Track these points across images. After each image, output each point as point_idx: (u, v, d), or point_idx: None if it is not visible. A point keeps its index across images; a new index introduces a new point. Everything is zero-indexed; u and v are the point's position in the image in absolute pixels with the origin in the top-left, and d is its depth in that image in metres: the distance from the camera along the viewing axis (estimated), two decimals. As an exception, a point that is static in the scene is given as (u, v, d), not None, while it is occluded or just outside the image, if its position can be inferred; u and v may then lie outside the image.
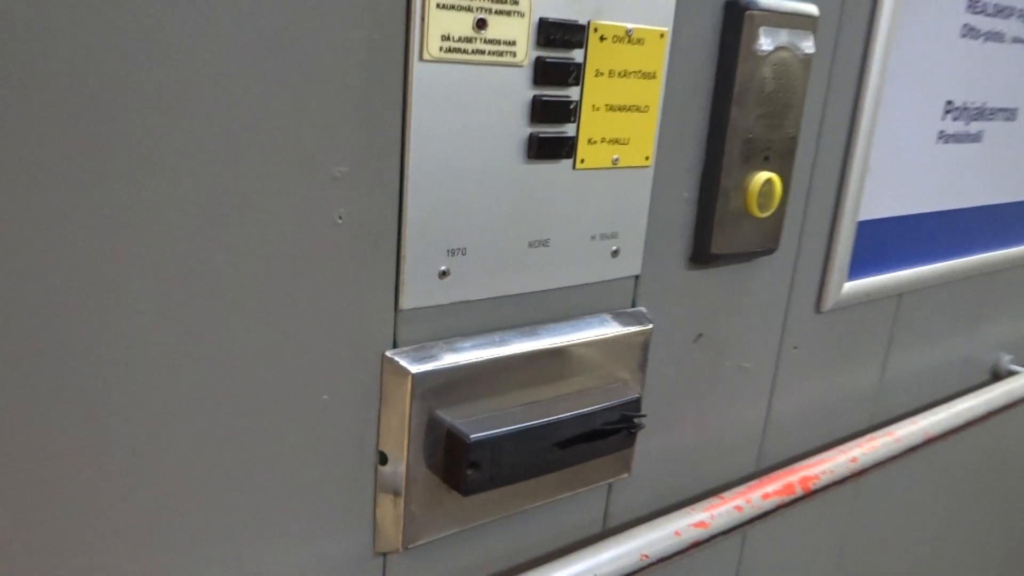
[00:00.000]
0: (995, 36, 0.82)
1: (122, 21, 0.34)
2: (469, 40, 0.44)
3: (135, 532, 0.40)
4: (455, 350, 0.49)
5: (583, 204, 0.53)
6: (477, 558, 0.55)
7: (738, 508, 0.63)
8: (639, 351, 0.58)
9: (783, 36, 0.59)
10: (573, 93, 0.50)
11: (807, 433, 0.79)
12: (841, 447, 0.73)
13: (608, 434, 0.54)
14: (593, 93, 0.51)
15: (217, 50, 0.37)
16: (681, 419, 0.66)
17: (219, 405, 0.41)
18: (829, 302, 0.74)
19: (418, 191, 0.45)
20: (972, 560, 1.21)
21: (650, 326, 0.58)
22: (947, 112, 0.81)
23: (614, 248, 0.56)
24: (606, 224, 0.55)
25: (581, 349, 0.54)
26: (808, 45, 0.61)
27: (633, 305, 0.59)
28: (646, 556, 0.56)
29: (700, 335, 0.64)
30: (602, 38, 0.50)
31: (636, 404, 0.55)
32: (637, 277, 0.58)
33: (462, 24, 0.44)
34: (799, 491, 0.67)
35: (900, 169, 0.78)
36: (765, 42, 0.57)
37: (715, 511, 0.61)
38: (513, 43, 0.46)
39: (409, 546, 0.49)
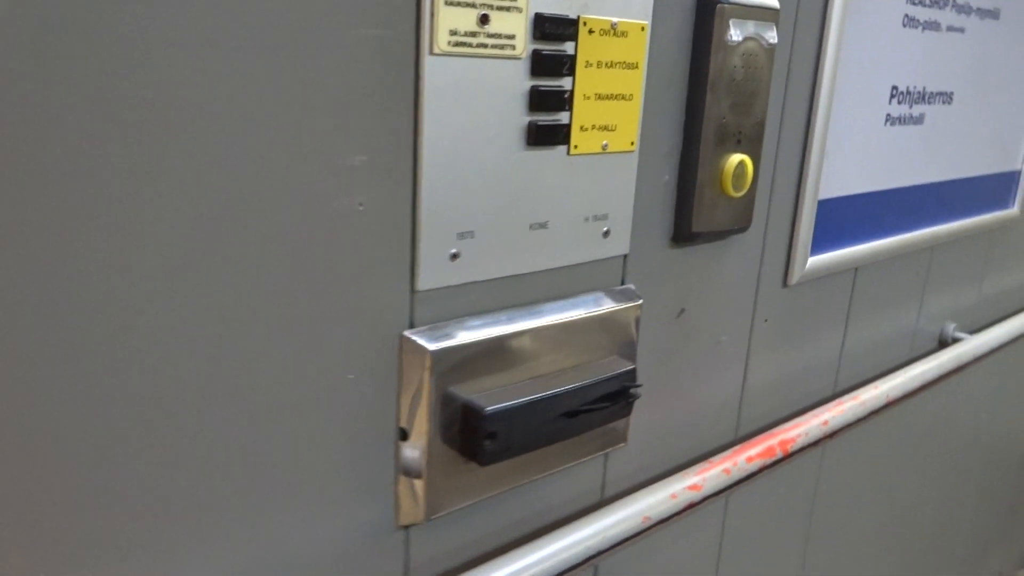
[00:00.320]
0: (932, 25, 0.88)
1: (158, 26, 0.36)
2: (474, 34, 0.47)
3: (182, 500, 0.42)
4: (466, 328, 0.52)
5: (577, 188, 0.56)
6: (492, 527, 0.57)
7: (726, 471, 0.67)
8: (631, 326, 0.61)
9: (750, 27, 0.63)
10: (566, 83, 0.53)
11: (779, 401, 0.84)
12: (813, 411, 0.78)
13: (609, 404, 0.57)
14: (584, 83, 0.54)
15: (247, 52, 0.39)
16: (666, 391, 0.70)
17: (257, 386, 0.43)
18: (795, 277, 0.79)
19: (431, 177, 0.48)
20: (927, 511, 1.28)
21: (640, 301, 0.61)
22: (892, 96, 0.87)
23: (605, 229, 0.59)
24: (597, 206, 0.58)
25: (579, 325, 0.58)
26: (772, 36, 0.65)
27: (622, 283, 0.62)
28: (648, 518, 0.60)
29: (682, 310, 0.69)
30: (590, 31, 0.53)
31: (632, 375, 0.59)
32: (626, 256, 0.62)
33: (467, 19, 0.47)
34: (779, 453, 0.72)
35: (853, 150, 0.83)
36: (735, 33, 0.62)
37: (706, 474, 0.65)
38: (513, 37, 0.49)
39: (431, 518, 0.52)
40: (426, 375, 0.49)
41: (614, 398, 0.58)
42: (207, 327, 0.41)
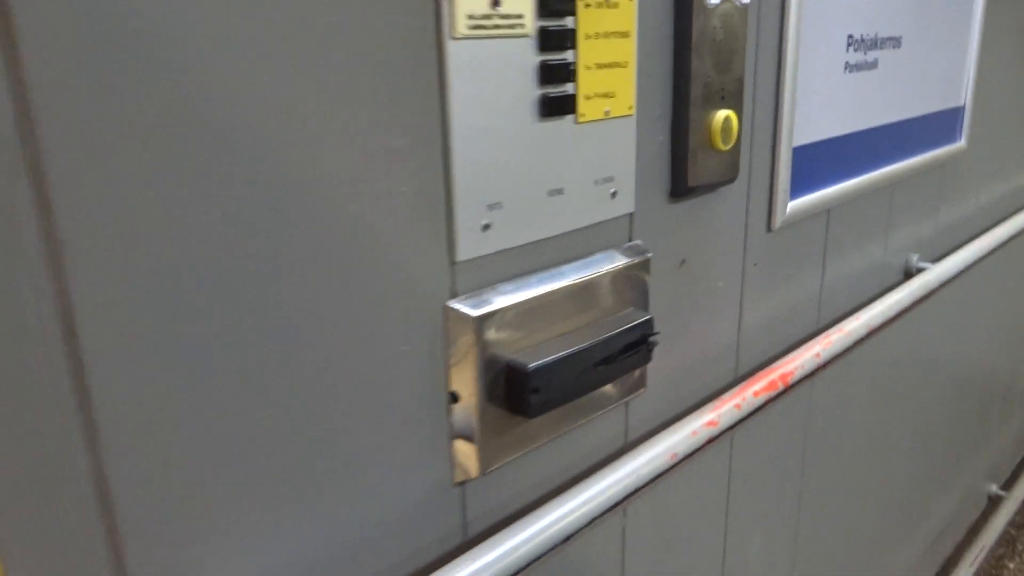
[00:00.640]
0: (879, -26, 0.94)
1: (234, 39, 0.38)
2: (488, 17, 0.50)
3: (289, 466, 0.45)
4: (501, 294, 0.55)
5: (586, 153, 0.60)
6: (534, 478, 0.62)
7: (736, 406, 0.72)
8: (642, 279, 0.66)
9: (726, -11, 0.67)
10: (570, 56, 0.56)
11: (771, 338, 0.89)
12: (806, 344, 0.84)
13: (632, 352, 0.62)
14: (586, 54, 0.58)
15: (300, 47, 0.41)
16: (675, 337, 0.75)
17: (335, 368, 0.46)
18: (778, 221, 0.85)
19: (461, 154, 0.51)
20: (904, 434, 1.37)
21: (649, 255, 0.66)
22: (849, 45, 0.92)
23: (612, 190, 0.63)
24: (604, 169, 0.62)
25: (598, 282, 0.62)
26: (744, -4, 0.70)
27: (630, 239, 0.67)
28: (675, 455, 0.65)
29: (683, 261, 0.73)
30: (587, 4, 0.57)
31: (650, 324, 0.63)
32: (631, 215, 0.66)
33: (480, 3, 0.50)
34: (780, 386, 0.77)
35: (818, 98, 0.89)
36: (712, -4, 0.66)
37: (720, 410, 0.70)
38: (521, 16, 0.53)
39: (485, 472, 0.55)
40: (471, 340, 0.53)
41: (636, 346, 0.62)
42: (303, 317, 0.44)
